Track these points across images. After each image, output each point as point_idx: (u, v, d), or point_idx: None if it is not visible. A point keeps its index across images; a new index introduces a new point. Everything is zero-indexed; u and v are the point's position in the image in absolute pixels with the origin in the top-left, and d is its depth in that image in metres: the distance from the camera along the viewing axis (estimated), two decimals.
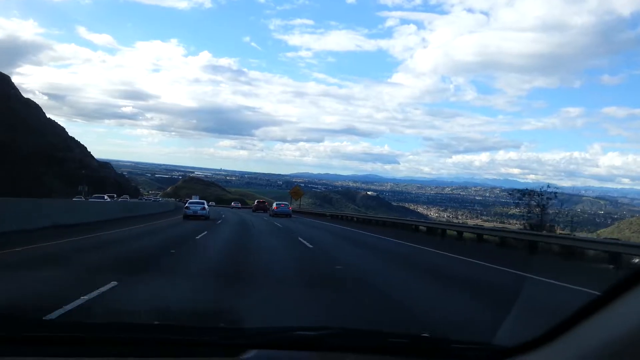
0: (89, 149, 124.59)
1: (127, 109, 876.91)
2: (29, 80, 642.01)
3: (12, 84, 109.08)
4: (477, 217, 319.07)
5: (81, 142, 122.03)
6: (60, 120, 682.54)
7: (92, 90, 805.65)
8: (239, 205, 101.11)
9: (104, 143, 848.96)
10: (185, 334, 1.87)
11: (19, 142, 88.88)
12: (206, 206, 31.56)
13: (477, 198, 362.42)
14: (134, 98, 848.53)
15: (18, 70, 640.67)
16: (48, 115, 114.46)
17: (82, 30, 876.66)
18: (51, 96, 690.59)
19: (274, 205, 48.78)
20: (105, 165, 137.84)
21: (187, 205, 36.57)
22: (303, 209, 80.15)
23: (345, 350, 1.79)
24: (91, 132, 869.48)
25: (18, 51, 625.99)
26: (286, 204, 48.94)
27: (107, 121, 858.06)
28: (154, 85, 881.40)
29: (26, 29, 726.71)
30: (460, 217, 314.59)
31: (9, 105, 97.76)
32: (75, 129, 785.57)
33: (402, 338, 1.96)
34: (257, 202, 68.51)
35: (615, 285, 1.25)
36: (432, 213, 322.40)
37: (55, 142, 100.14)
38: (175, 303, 5.55)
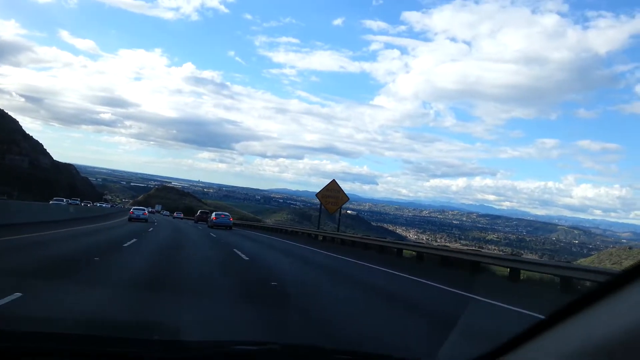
0: (47, 148, 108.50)
1: (106, 116, 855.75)
2: (6, 81, 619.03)
3: None
4: (455, 240, 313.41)
5: (34, 138, 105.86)
6: (37, 124, 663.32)
7: (71, 94, 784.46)
8: (181, 215, 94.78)
9: (80, 149, 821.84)
10: (119, 346, 1.73)
11: None
12: (147, 212, 30.69)
13: (454, 222, 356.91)
14: (113, 105, 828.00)
15: None
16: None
17: (64, 34, 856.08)
18: (28, 98, 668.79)
19: (213, 215, 43.63)
20: (66, 167, 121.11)
21: (132, 210, 44.13)
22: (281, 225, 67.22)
23: None
24: (67, 137, 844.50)
25: None
26: (227, 215, 44.09)
27: (84, 127, 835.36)
28: (135, 93, 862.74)
29: (7, 29, 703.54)
30: (439, 240, 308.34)
31: None
32: (52, 133, 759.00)
33: (345, 355, 1.93)
34: (200, 212, 61.14)
35: (558, 310, 1.23)
36: (411, 235, 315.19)
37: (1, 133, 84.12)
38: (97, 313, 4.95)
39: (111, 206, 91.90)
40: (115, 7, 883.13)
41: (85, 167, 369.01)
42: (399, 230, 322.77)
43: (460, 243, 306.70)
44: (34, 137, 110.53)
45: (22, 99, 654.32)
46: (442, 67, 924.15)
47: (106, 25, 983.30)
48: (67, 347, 1.62)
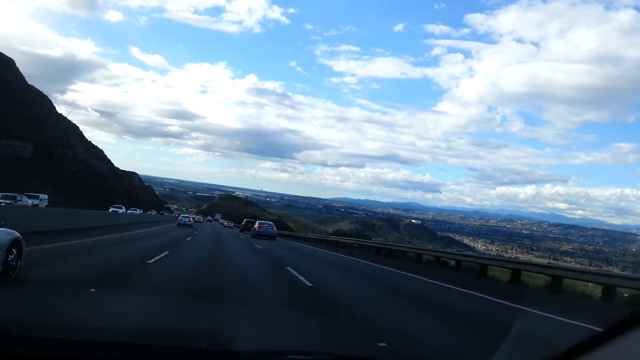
0: (106, 152, 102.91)
1: (174, 128, 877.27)
2: (83, 97, 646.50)
3: (17, 68, 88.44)
4: (527, 252, 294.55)
5: (90, 141, 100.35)
6: (111, 137, 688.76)
7: (142, 108, 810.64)
8: (232, 224, 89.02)
9: (150, 161, 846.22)
10: (169, 356, 1.75)
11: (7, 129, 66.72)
12: (192, 219, 31.30)
13: (524, 232, 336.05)
14: (181, 118, 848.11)
15: (73, 87, 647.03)
16: (60, 111, 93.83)
17: (135, 51, 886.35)
18: (102, 113, 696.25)
19: (256, 224, 41.30)
20: (128, 175, 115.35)
21: (180, 217, 60.10)
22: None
23: None
24: (139, 150, 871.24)
25: (74, 69, 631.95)
26: (270, 224, 41.50)
27: (154, 139, 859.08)
28: (201, 105, 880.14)
29: (83, 48, 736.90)
30: (510, 252, 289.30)
31: (9, 90, 76.14)
32: (125, 146, 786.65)
33: None
34: (246, 221, 56.71)
35: (618, 323, 1.19)
36: (479, 245, 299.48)
37: (53, 136, 77.78)
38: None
39: (162, 214, 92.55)
40: (182, 23, 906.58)
41: (154, 178, 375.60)
42: (466, 241, 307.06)
43: (532, 255, 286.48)
44: (93, 142, 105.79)
45: (97, 114, 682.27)
46: (508, 70, 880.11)
47: (173, 40, 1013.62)
48: (113, 355, 1.61)
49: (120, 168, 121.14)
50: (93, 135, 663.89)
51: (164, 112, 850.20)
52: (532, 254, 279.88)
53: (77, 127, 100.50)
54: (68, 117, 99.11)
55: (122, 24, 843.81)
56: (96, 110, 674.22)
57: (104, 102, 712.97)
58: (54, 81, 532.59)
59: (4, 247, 7.69)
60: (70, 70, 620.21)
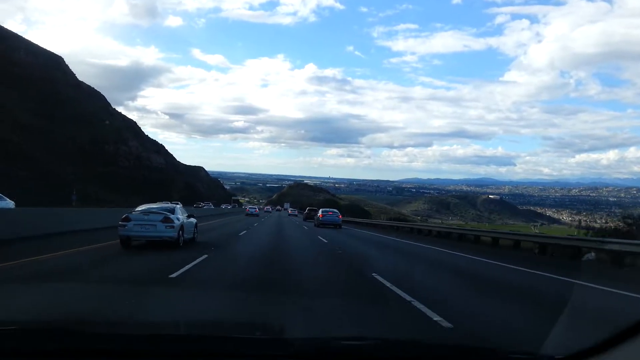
0: (175, 151, 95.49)
1: (239, 124, 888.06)
2: (152, 102, 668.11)
3: (66, 66, 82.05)
4: (618, 220, 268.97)
5: (146, 135, 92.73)
6: (181, 138, 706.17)
7: (207, 107, 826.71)
8: (296, 212, 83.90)
9: (219, 157, 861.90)
10: (224, 345, 1.79)
11: (57, 130, 59.58)
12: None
13: (611, 199, 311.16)
14: (245, 113, 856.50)
15: (142, 93, 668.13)
16: (133, 117, 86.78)
17: (196, 52, 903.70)
18: (172, 115, 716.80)
19: (320, 212, 37.52)
20: (191, 169, 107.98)
21: (247, 208, 65.24)
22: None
23: None
24: (208, 147, 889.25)
25: (141, 75, 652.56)
26: (335, 212, 37.67)
27: (221, 136, 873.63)
28: (263, 99, 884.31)
29: (148, 55, 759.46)
30: (598, 221, 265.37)
31: (57, 88, 69.24)
32: (194, 145, 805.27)
33: (448, 348, 1.89)
34: (309, 209, 54.74)
35: None
36: (564, 216, 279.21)
37: (104, 133, 70.25)
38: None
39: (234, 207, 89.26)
40: (238, 20, 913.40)
41: (225, 173, 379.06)
42: (549, 213, 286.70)
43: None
44: (151, 136, 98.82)
45: (167, 117, 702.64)
46: (579, 31, 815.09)
47: (232, 38, 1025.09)
48: (167, 346, 1.68)
49: (187, 164, 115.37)
50: (165, 137, 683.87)
51: (229, 109, 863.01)
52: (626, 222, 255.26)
53: (133, 121, 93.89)
54: (133, 118, 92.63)
55: (182, 28, 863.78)
56: (165, 113, 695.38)
57: (172, 104, 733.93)
58: (123, 89, 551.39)
59: (193, 226, 16.23)
60: (137, 77, 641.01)
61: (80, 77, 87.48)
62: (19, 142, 54.17)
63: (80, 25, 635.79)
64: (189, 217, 15.86)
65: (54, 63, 78.31)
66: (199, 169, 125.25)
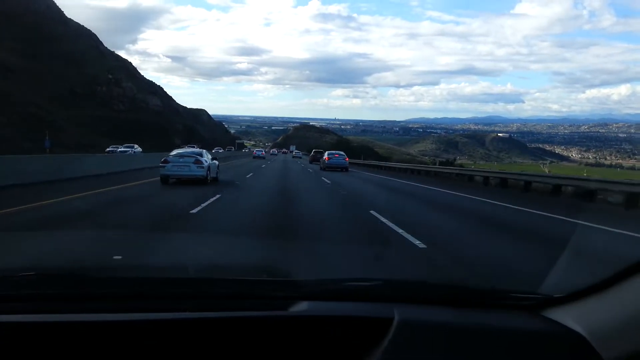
0: (179, 95, 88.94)
1: (243, 65, 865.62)
2: (153, 45, 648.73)
3: (52, 1, 74.50)
4: (628, 157, 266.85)
5: (142, 75, 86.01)
6: (184, 81, 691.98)
7: (210, 49, 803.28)
8: (300, 154, 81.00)
9: (224, 100, 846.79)
10: (233, 287, 1.79)
11: (42, 69, 53.43)
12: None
13: (620, 135, 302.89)
14: (248, 54, 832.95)
15: (142, 36, 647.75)
16: (135, 62, 79.86)
17: None
18: (173, 58, 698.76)
19: (325, 155, 36.35)
20: (192, 112, 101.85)
21: (254, 151, 57.79)
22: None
23: (393, 300, 1.72)
24: (212, 91, 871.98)
25: (140, 17, 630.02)
26: (342, 154, 35.89)
27: (225, 79, 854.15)
28: (266, 39, 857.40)
29: None
30: (608, 158, 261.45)
31: (43, 24, 62.41)
32: (198, 88, 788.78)
33: (450, 289, 1.96)
34: (314, 151, 52.12)
35: None
36: (573, 154, 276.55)
37: (95, 73, 63.88)
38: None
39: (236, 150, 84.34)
40: None
41: (230, 117, 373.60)
42: (558, 150, 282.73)
43: (635, 159, 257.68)
44: (146, 77, 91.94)
45: (169, 60, 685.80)
46: None
47: None
48: (176, 289, 1.72)
49: (187, 106, 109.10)
50: (168, 81, 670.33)
51: (232, 50, 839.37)
52: (635, 159, 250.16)
53: (127, 61, 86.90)
54: (135, 62, 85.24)
55: None
56: (167, 56, 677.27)
57: (174, 47, 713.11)
58: (124, 32, 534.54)
59: (216, 167, 18.81)
60: (137, 19, 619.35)
61: (78, 20, 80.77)
62: None
63: None
64: (212, 159, 18.90)
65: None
66: (201, 112, 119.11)
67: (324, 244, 6.49)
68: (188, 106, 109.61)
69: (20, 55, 59.56)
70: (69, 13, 79.04)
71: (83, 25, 79.57)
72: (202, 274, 2.14)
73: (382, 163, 45.86)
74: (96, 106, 61.32)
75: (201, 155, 17.82)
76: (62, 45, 65.74)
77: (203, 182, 16.75)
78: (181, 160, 16.94)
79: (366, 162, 50.33)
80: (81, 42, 72.66)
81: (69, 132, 49.55)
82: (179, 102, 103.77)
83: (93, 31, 79.50)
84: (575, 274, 3.84)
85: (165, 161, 16.95)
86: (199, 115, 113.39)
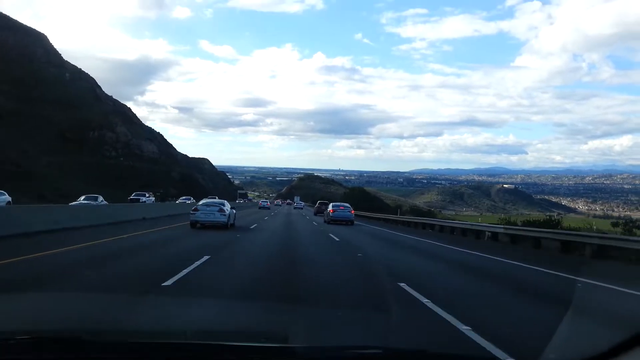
0: (183, 146, 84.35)
1: (249, 116, 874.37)
2: (161, 96, 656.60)
3: (50, 45, 71.29)
4: (636, 208, 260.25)
5: (140, 119, 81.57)
6: (191, 132, 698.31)
7: (216, 100, 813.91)
8: (302, 204, 79.68)
9: (229, 151, 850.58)
10: (230, 353, 1.77)
11: (32, 113, 48.96)
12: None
13: (625, 187, 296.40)
14: (254, 105, 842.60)
15: (150, 87, 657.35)
16: (142, 113, 76.12)
17: (204, 44, 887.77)
18: (181, 109, 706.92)
19: (330, 207, 33.72)
20: (197, 161, 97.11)
21: (260, 202, 49.51)
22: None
23: None
24: (218, 141, 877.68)
25: (150, 69, 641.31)
26: (347, 207, 33.22)
27: (231, 129, 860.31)
28: (272, 91, 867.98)
29: (157, 48, 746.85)
30: (616, 210, 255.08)
31: (39, 67, 58.69)
32: (205, 139, 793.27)
33: (451, 358, 1.94)
34: (319, 203, 48.47)
35: None
36: (580, 205, 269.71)
37: (88, 117, 59.37)
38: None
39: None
40: (246, 10, 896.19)
41: (235, 167, 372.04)
42: (565, 202, 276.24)
43: None
44: (142, 120, 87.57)
45: (176, 111, 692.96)
46: (592, 11, 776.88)
47: (240, 28, 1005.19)
48: (177, 355, 1.69)
49: (189, 155, 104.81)
50: (175, 132, 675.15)
51: (238, 102, 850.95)
52: None
53: (125, 106, 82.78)
54: (143, 113, 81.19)
55: (190, 20, 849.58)
56: (175, 107, 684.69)
57: (181, 98, 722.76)
58: (132, 84, 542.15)
59: (234, 215, 21.59)
60: (146, 71, 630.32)
61: (89, 72, 77.51)
62: None
63: (89, 20, 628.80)
64: (231, 208, 21.86)
65: (34, 40, 67.74)
66: (203, 161, 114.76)
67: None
68: (190, 155, 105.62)
69: (13, 99, 55.56)
70: (79, 64, 75.69)
71: (81, 69, 76.42)
72: (200, 338, 1.99)
73: (394, 217, 40.34)
74: (86, 152, 56.50)
75: (223, 205, 20.70)
76: (57, 89, 61.95)
77: (225, 227, 19.46)
78: (208, 208, 19.72)
79: (373, 215, 45.30)
80: (77, 86, 68.95)
81: (49, 180, 44.38)
82: (180, 151, 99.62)
83: (92, 75, 76.66)
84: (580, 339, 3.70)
85: (195, 209, 19.83)
86: (201, 164, 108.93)
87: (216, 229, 18.47)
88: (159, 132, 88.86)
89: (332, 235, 19.24)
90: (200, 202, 21.04)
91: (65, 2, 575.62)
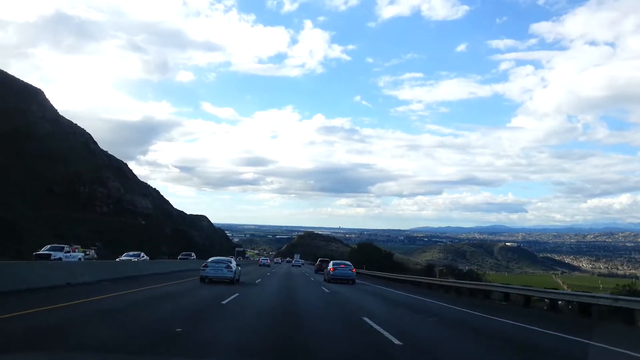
0: (150, 183, 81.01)
1: (249, 175, 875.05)
2: (163, 156, 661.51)
3: (46, 100, 69.91)
4: None
5: (134, 174, 78.70)
6: (191, 190, 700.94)
7: (217, 160, 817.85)
8: (301, 262, 78.48)
9: (229, 209, 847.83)
10: None
11: (22, 167, 46.29)
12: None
13: (628, 245, 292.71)
14: (254, 164, 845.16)
15: (153, 147, 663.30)
16: (144, 172, 73.87)
17: (207, 106, 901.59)
18: (182, 169, 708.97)
19: (330, 265, 32.17)
20: (194, 219, 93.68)
21: (260, 259, 53.88)
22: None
23: None
24: (218, 200, 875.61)
25: (153, 130, 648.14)
26: (348, 265, 32.06)
27: (231, 188, 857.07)
28: (273, 150, 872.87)
29: (161, 110, 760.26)
30: (620, 268, 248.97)
31: (34, 122, 56.71)
32: (205, 198, 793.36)
33: None
34: (320, 260, 47.05)
35: None
36: (584, 264, 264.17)
37: (78, 171, 56.56)
38: None
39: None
40: (248, 74, 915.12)
41: (235, 226, 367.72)
42: (568, 260, 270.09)
43: None
44: (139, 176, 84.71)
45: (177, 170, 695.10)
46: (584, 75, 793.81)
47: (241, 92, 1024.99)
48: None
49: (186, 212, 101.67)
50: (176, 190, 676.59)
51: (238, 161, 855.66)
52: None
53: (122, 162, 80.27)
54: (144, 172, 78.83)
55: (193, 83, 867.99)
56: (176, 167, 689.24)
57: (183, 158, 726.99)
58: (135, 144, 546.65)
59: (239, 271, 24.13)
60: (149, 132, 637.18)
61: (94, 133, 76.05)
62: None
63: (94, 82, 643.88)
64: (237, 265, 24.13)
65: (30, 95, 66.25)
66: (202, 218, 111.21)
67: None
68: (187, 212, 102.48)
69: (3, 153, 53.19)
70: (85, 124, 73.90)
71: (76, 124, 74.49)
72: None
73: (402, 276, 36.61)
74: (76, 207, 53.35)
75: (230, 262, 22.82)
76: (50, 143, 59.67)
77: (232, 283, 21.44)
78: (216, 265, 21.87)
79: (377, 273, 42.04)
80: (70, 140, 66.76)
81: (34, 236, 40.97)
82: (177, 208, 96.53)
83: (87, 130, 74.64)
84: None
85: (205, 266, 21.92)
86: (199, 221, 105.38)
87: (225, 284, 20.78)
88: (154, 188, 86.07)
89: (331, 294, 18.34)
90: (209, 260, 22.80)
91: (70, 66, 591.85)
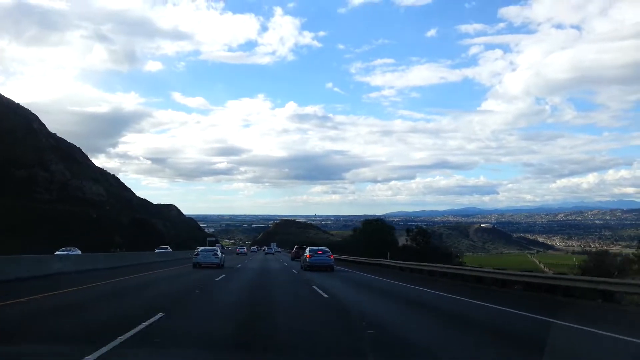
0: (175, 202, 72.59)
1: (222, 165, 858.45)
2: (133, 148, 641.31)
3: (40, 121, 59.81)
4: (611, 243, 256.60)
5: (87, 156, 70.00)
6: (164, 182, 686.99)
7: (190, 150, 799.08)
8: (277, 249, 78.19)
9: (204, 200, 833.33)
10: None
11: None
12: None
13: (597, 222, 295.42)
14: (227, 154, 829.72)
15: (123, 139, 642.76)
16: (114, 165, 64.75)
17: (177, 96, 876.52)
18: (154, 160, 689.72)
19: (307, 252, 30.23)
20: (161, 208, 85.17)
21: (238, 248, 58.78)
22: None
23: None
24: (192, 191, 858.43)
25: (122, 122, 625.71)
26: (326, 251, 30.34)
27: (205, 178, 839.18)
28: (246, 140, 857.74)
29: (129, 101, 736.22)
30: (592, 245, 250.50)
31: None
32: (179, 189, 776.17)
33: None
34: (297, 247, 45.27)
35: None
36: (557, 242, 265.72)
37: (16, 154, 47.73)
38: None
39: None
40: (218, 62, 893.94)
41: (210, 216, 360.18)
42: (541, 239, 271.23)
43: (620, 245, 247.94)
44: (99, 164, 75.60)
45: (149, 162, 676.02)
46: (551, 58, 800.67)
47: (212, 80, 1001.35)
48: None
49: (154, 202, 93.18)
50: (148, 182, 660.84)
51: (211, 151, 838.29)
52: (619, 245, 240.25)
53: (73, 144, 70.96)
54: (115, 165, 70.05)
55: (162, 72, 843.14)
56: (147, 159, 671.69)
57: (154, 149, 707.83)
58: (104, 136, 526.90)
59: (224, 258, 31.02)
60: (118, 123, 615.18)
61: (61, 126, 67.34)
62: None
63: (59, 74, 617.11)
64: (222, 254, 30.45)
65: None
66: (170, 207, 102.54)
67: None
68: (154, 202, 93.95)
69: None
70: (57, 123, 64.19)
71: (18, 103, 64.72)
72: None
73: (383, 261, 33.49)
74: (11, 193, 44.72)
75: (217, 251, 29.98)
76: None
77: (218, 267, 27.45)
78: (205, 253, 28.65)
79: (356, 259, 39.45)
80: (11, 119, 57.37)
81: None
82: (145, 198, 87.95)
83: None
84: None
85: (197, 254, 28.57)
86: (167, 210, 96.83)
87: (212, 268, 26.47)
88: (113, 175, 77.23)
89: (317, 289, 15.96)
90: (200, 249, 29.44)
91: (33, 58, 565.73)
